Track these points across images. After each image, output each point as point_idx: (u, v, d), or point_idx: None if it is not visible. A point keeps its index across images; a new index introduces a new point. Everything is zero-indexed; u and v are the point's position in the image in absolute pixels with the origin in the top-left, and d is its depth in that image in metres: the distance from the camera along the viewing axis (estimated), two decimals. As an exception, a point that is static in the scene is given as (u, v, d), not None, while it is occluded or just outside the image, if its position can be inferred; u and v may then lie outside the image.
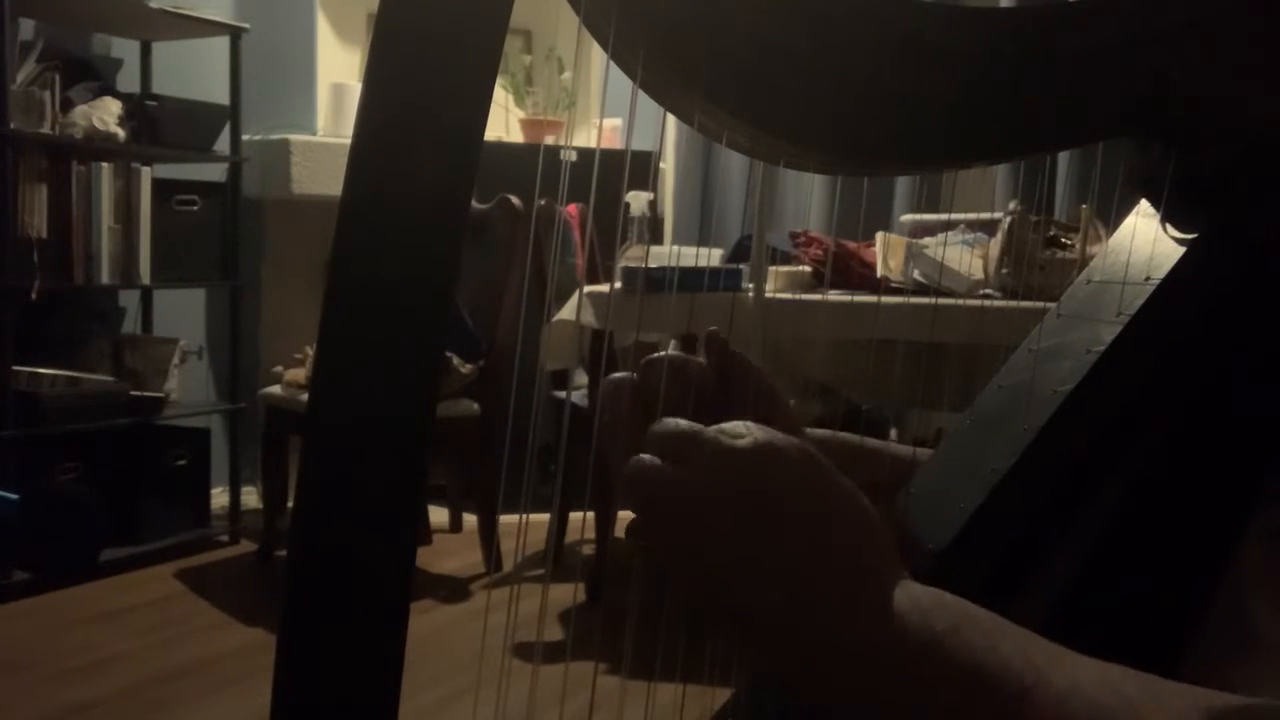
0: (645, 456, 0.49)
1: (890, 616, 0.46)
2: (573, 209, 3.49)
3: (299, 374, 3.26)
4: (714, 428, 0.49)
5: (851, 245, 2.88)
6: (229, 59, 3.52)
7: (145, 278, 3.40)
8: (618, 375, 0.66)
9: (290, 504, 0.72)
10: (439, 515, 3.79)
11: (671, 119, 0.58)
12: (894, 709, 0.46)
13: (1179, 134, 0.63)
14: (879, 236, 2.83)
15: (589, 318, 2.81)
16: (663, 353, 0.66)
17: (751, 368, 0.69)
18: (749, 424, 0.49)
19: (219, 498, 3.69)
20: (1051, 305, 0.72)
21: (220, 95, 3.55)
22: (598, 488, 2.96)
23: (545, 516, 2.70)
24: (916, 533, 0.62)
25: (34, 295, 3.08)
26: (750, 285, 2.69)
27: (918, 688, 0.46)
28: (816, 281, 2.88)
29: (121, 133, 3.27)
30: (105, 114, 3.24)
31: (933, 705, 0.45)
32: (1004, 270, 2.57)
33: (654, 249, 3.80)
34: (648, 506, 0.49)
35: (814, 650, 0.47)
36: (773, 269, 2.77)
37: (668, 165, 4.66)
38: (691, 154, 4.62)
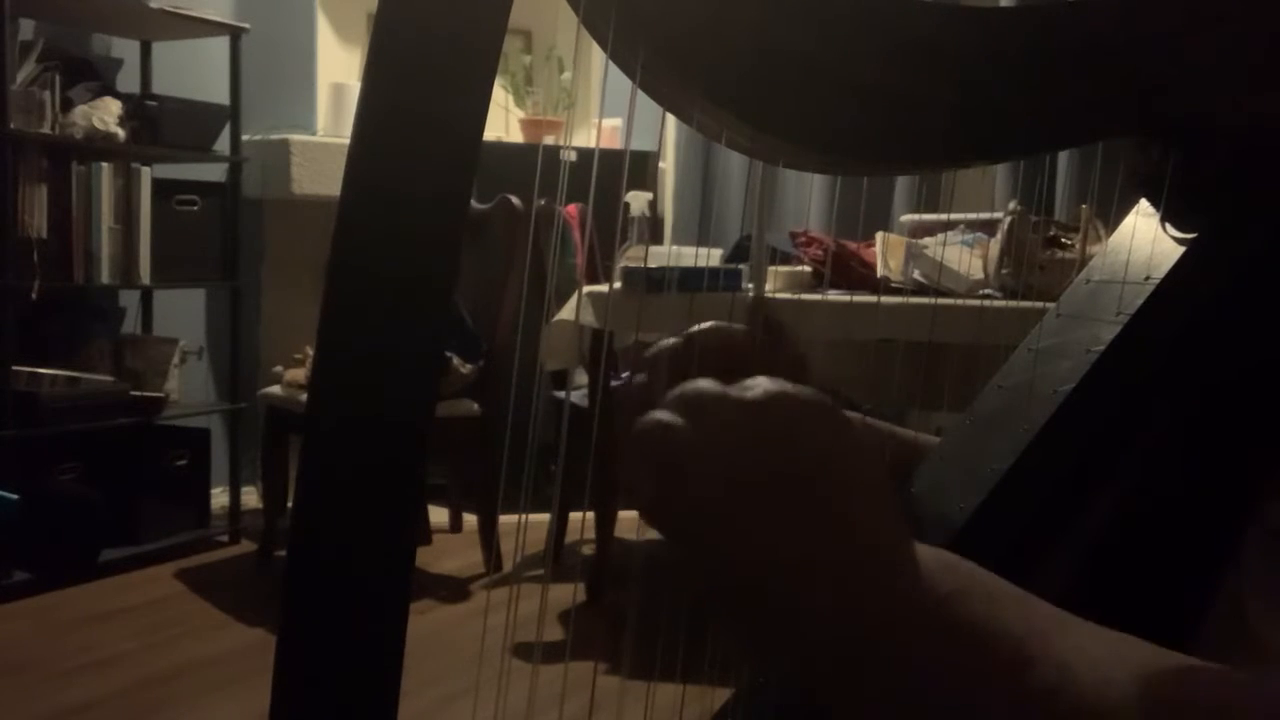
0: (655, 413, 0.45)
1: (902, 573, 0.45)
2: (572, 209, 3.49)
3: (299, 374, 3.26)
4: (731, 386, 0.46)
5: (851, 245, 2.88)
6: (229, 59, 3.52)
7: (145, 278, 3.41)
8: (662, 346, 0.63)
9: (290, 504, 0.72)
10: (439, 515, 3.79)
11: (671, 119, 0.58)
12: (891, 675, 0.45)
13: (1179, 134, 0.63)
14: (879, 236, 2.83)
15: (589, 318, 2.81)
16: (669, 341, 0.64)
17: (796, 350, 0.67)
18: (762, 378, 0.46)
19: (219, 498, 3.70)
20: (1051, 305, 0.72)
21: (220, 95, 3.55)
22: (598, 488, 2.96)
23: (545, 516, 2.70)
24: (916, 533, 0.62)
25: (34, 295, 3.08)
26: (750, 285, 2.69)
27: (919, 651, 0.44)
28: (816, 281, 2.88)
29: (121, 133, 3.27)
30: (105, 114, 3.24)
31: (931, 670, 0.44)
32: (1004, 270, 2.57)
33: (654, 249, 3.80)
34: (660, 465, 0.45)
35: (824, 610, 0.44)
36: (773, 269, 2.77)
37: (668, 165, 4.66)
38: (691, 154, 4.62)
